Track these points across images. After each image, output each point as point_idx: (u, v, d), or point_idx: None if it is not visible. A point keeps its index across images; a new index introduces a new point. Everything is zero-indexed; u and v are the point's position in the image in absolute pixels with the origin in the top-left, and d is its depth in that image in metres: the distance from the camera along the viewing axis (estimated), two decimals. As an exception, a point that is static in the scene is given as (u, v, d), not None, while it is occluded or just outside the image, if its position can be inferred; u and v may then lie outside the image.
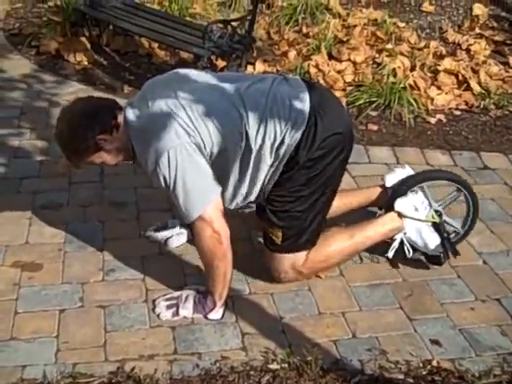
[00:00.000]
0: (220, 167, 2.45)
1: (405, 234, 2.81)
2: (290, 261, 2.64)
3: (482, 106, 4.38)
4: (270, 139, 2.43)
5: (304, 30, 5.11)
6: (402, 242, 2.82)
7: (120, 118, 2.47)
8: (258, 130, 2.42)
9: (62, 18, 5.00)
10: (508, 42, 5.24)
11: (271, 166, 2.49)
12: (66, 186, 3.30)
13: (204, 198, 2.39)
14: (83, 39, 4.87)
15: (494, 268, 2.90)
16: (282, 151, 2.45)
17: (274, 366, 2.35)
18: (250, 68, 4.58)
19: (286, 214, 2.57)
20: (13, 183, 3.32)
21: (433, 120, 4.19)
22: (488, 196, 3.43)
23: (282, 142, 2.44)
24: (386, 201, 2.87)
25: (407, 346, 2.46)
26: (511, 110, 4.35)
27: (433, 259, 2.84)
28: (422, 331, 2.53)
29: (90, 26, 4.92)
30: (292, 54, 4.73)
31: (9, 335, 2.41)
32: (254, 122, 2.42)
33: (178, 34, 4.42)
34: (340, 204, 2.86)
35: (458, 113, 4.34)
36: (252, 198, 2.59)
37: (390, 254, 2.83)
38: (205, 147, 2.38)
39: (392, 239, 2.83)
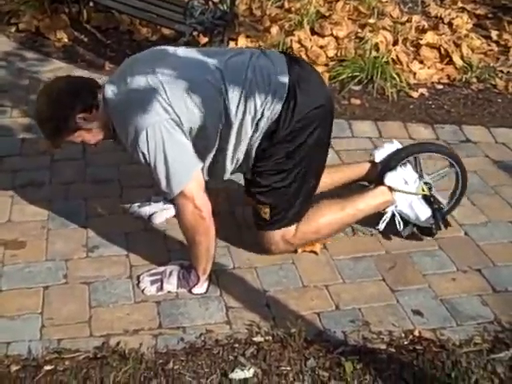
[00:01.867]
0: (201, 142, 2.45)
1: (396, 207, 2.84)
2: (279, 234, 2.66)
3: (464, 80, 4.39)
4: (251, 113, 2.44)
5: (286, 5, 5.06)
6: (393, 215, 2.84)
7: (99, 97, 2.45)
8: (238, 105, 2.42)
9: (42, -5, 4.95)
10: (490, 15, 5.24)
11: (251, 138, 2.49)
12: (48, 163, 3.28)
13: (185, 173, 2.39)
14: (63, 16, 4.81)
15: (475, 239, 2.93)
16: (261, 124, 2.46)
17: (258, 339, 2.37)
18: (232, 44, 4.54)
19: (270, 189, 2.58)
20: (-6, 162, 3.30)
21: (415, 94, 4.20)
22: (470, 169, 3.40)
23: (262, 115, 2.44)
24: (376, 175, 2.89)
25: (390, 316, 2.49)
26: (493, 83, 4.37)
27: (425, 230, 2.88)
28: (404, 302, 2.56)
29: (70, 3, 4.85)
30: (274, 29, 4.70)
31: (-7, 313, 2.42)
32: (233, 98, 2.42)
33: (160, 11, 4.37)
34: (330, 180, 2.88)
35: (440, 87, 4.35)
36: (233, 170, 2.60)
37: (381, 226, 2.85)
38: (183, 123, 2.38)
39: (383, 212, 2.85)
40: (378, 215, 2.85)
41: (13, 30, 4.77)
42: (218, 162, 2.56)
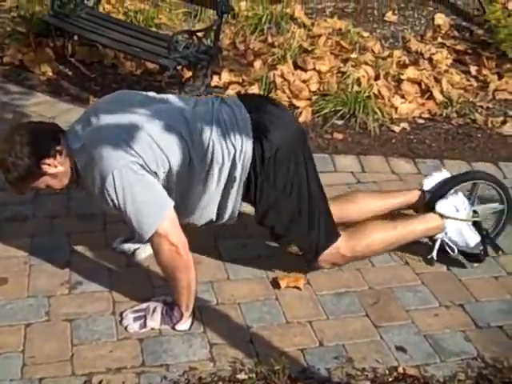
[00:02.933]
0: (170, 184, 2.46)
1: (446, 234, 2.90)
2: (326, 259, 2.72)
3: (444, 115, 4.45)
4: (218, 163, 2.47)
5: (269, 39, 5.14)
6: (442, 242, 2.92)
7: (63, 142, 2.45)
8: (204, 155, 2.46)
9: (26, 28, 4.98)
10: (469, 51, 5.34)
11: (228, 187, 2.53)
12: (32, 198, 3.26)
13: (156, 213, 2.38)
14: (48, 50, 4.84)
15: (457, 274, 2.95)
16: (237, 173, 2.50)
17: (241, 376, 2.36)
18: (215, 78, 4.59)
19: (282, 228, 2.65)
20: (-23, 196, 3.28)
21: (397, 128, 4.25)
22: (451, 203, 3.49)
23: (234, 164, 2.48)
24: (425, 204, 2.99)
25: (373, 353, 2.49)
26: (473, 118, 4.43)
27: (472, 257, 2.95)
28: (387, 338, 2.57)
29: (55, 37, 4.88)
30: (258, 63, 4.76)
31: (-26, 351, 2.39)
32: (198, 148, 2.45)
33: (144, 45, 4.42)
34: (381, 205, 3.00)
35: (421, 121, 4.41)
36: (226, 216, 2.64)
37: (434, 253, 2.92)
38: (149, 166, 2.38)
39: (432, 239, 2.94)
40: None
41: (-3, 62, 4.79)
42: (189, 205, 2.57)
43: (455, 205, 2.92)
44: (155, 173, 2.40)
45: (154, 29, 5.09)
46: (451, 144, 4.16)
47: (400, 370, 2.42)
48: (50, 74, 4.69)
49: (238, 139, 2.48)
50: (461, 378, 2.40)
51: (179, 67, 4.48)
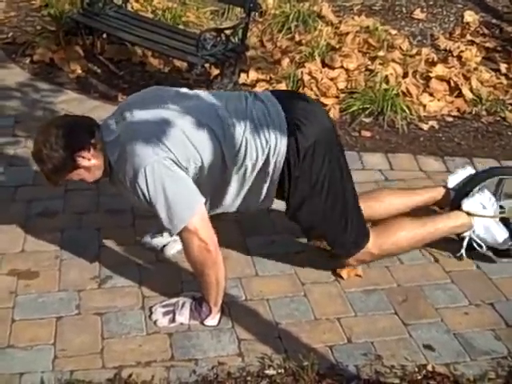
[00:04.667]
0: (201, 180, 2.47)
1: (473, 231, 2.89)
2: (355, 256, 2.73)
3: (473, 113, 4.41)
4: (252, 159, 2.48)
5: (297, 37, 5.13)
6: (471, 240, 2.90)
7: (97, 136, 2.48)
8: (237, 152, 2.46)
9: (56, 26, 5.02)
10: (499, 48, 5.27)
11: (262, 182, 2.55)
12: (62, 193, 3.31)
13: (186, 210, 2.39)
14: (77, 48, 4.88)
15: (487, 273, 2.93)
16: (269, 166, 2.51)
17: (270, 372, 2.36)
18: (243, 76, 4.60)
19: (315, 223, 2.66)
20: (8, 191, 3.33)
21: (425, 126, 4.22)
22: (481, 201, 3.46)
23: (267, 160, 2.49)
24: (451, 201, 2.98)
25: (402, 350, 2.48)
26: (503, 116, 4.38)
27: (502, 253, 2.93)
28: (416, 336, 2.55)
29: (84, 35, 4.91)
30: (285, 61, 4.75)
31: (6, 343, 2.42)
32: (231, 145, 2.46)
33: (172, 43, 4.43)
34: (406, 202, 2.99)
35: (450, 119, 4.37)
36: (240, 206, 2.65)
37: (463, 251, 2.92)
38: (181, 162, 2.40)
39: (460, 237, 2.93)
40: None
41: (27, 61, 4.84)
42: (221, 198, 2.58)
43: (482, 202, 2.89)
44: (187, 168, 2.41)
45: (181, 27, 5.11)
46: (480, 142, 4.12)
47: (429, 368, 2.41)
48: (79, 71, 4.73)
49: (272, 135, 2.48)
50: (491, 376, 2.38)
51: (207, 65, 4.51)
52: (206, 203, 2.49)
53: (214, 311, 2.55)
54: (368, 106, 4.25)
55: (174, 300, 2.62)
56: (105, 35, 4.94)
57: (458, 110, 4.44)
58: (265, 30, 5.27)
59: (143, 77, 4.75)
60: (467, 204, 2.89)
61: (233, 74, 4.47)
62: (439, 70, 4.66)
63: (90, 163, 2.49)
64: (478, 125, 4.32)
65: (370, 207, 2.89)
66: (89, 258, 2.89)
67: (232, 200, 2.61)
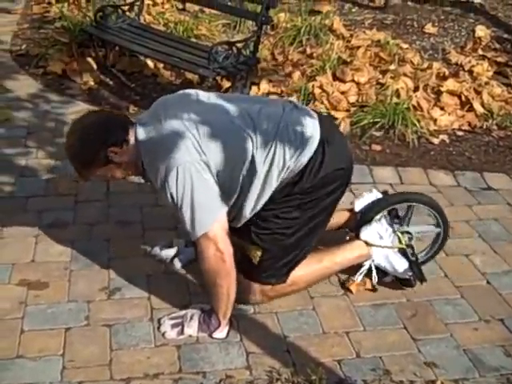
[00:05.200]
0: (226, 187, 2.46)
1: (373, 260, 2.84)
2: (259, 286, 2.66)
3: (484, 127, 4.41)
4: (279, 167, 2.45)
5: (308, 50, 5.15)
6: (370, 268, 2.84)
7: (131, 133, 2.48)
8: (266, 156, 2.44)
9: (69, 38, 5.07)
10: (510, 63, 5.27)
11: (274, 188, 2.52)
12: (72, 204, 3.33)
13: (210, 216, 2.40)
14: (89, 60, 4.93)
15: (497, 288, 2.91)
16: (285, 175, 2.49)
17: (278, 386, 2.36)
18: (254, 88, 4.62)
19: (270, 233, 2.58)
20: (19, 202, 3.35)
21: (436, 140, 4.22)
22: (491, 216, 3.45)
23: (289, 167, 2.47)
24: (355, 227, 2.91)
25: (411, 366, 2.47)
26: (514, 130, 4.38)
27: (404, 282, 2.87)
28: (425, 351, 2.54)
29: (97, 47, 4.96)
30: (296, 74, 4.77)
31: (15, 353, 2.43)
32: (262, 148, 2.44)
33: (184, 55, 4.46)
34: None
35: (460, 133, 4.37)
36: (250, 215, 2.59)
37: (359, 277, 2.85)
38: (211, 166, 2.40)
39: (362, 265, 2.86)
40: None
41: (40, 72, 4.88)
42: (238, 208, 2.56)
43: (379, 231, 2.84)
44: (218, 172, 2.41)
45: (193, 40, 5.15)
46: (491, 156, 4.12)
47: (438, 383, 2.39)
48: (92, 83, 4.77)
49: (299, 149, 2.46)
50: (501, 393, 2.36)
51: (218, 77, 4.53)
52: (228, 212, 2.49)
53: (223, 324, 2.55)
54: (379, 119, 4.25)
55: (182, 312, 2.62)
56: (117, 47, 4.98)
57: (469, 125, 4.44)
58: (276, 43, 5.30)
59: (155, 89, 4.78)
60: (365, 233, 2.84)
61: (244, 87, 4.49)
62: (450, 84, 4.66)
63: (122, 159, 2.49)
64: (489, 139, 4.32)
65: None
66: (98, 269, 2.89)
67: (248, 210, 2.54)
